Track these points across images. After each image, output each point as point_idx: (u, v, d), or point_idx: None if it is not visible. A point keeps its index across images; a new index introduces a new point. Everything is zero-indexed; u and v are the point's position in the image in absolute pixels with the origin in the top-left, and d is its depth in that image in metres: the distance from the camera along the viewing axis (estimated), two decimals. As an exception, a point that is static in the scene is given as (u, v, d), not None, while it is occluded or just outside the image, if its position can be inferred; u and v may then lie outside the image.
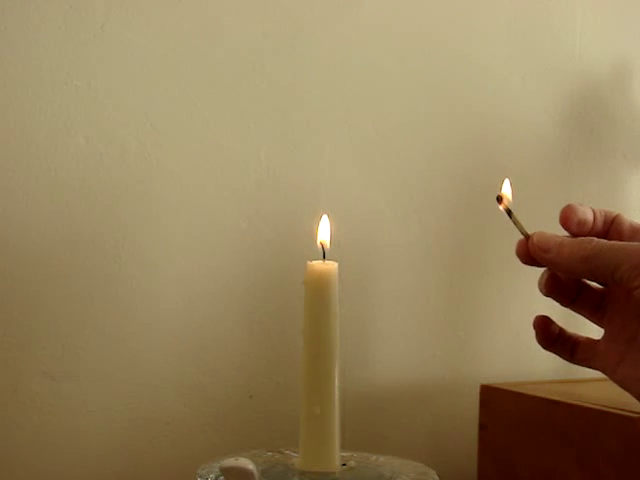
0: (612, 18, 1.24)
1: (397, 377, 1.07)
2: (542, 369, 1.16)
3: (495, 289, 1.14)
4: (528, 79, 1.17)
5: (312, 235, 0.72)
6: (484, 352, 1.14)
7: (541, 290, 0.53)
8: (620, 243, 0.47)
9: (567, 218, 0.51)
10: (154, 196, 0.94)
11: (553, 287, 0.52)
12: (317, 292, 0.68)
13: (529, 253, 0.51)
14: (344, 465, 0.69)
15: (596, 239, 0.48)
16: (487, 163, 1.14)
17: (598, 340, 0.53)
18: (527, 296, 1.13)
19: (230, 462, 0.60)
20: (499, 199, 0.54)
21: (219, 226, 0.97)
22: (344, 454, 0.70)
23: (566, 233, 0.52)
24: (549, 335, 0.54)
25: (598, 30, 1.23)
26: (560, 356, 0.55)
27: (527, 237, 0.51)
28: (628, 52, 1.24)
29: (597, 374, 0.54)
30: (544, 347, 0.55)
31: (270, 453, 0.73)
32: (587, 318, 0.54)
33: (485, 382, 1.03)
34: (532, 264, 0.51)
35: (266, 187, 0.99)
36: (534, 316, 0.55)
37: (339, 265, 0.68)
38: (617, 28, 1.24)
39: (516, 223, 0.53)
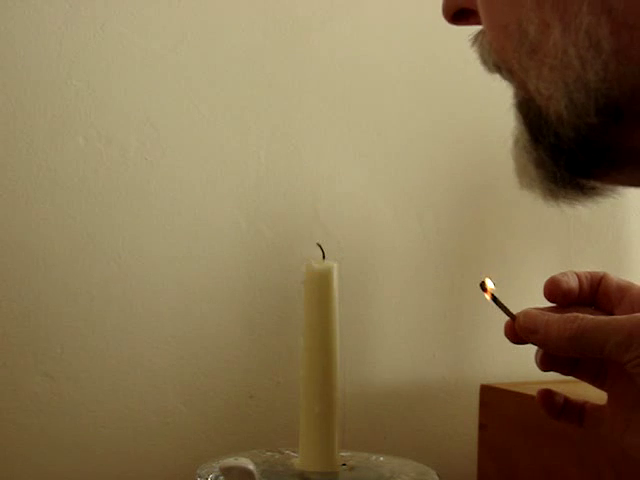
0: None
1: (397, 377, 1.07)
2: (542, 369, 1.16)
3: (495, 289, 1.13)
4: (528, 79, 1.17)
5: (312, 235, 0.72)
6: (484, 352, 1.14)
7: (538, 366, 0.53)
8: (604, 319, 0.46)
9: (551, 293, 0.52)
10: (154, 196, 0.94)
11: (549, 363, 0.52)
12: (317, 292, 0.68)
13: (517, 334, 0.51)
14: (344, 465, 0.69)
15: (580, 316, 0.47)
16: (487, 163, 1.14)
17: (604, 405, 0.53)
18: (527, 296, 1.13)
19: (230, 462, 0.60)
20: (482, 286, 0.55)
21: (219, 226, 0.97)
22: (344, 454, 0.70)
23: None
24: (554, 407, 0.54)
25: (598, 30, 1.22)
26: (570, 424, 0.55)
27: (513, 318, 0.52)
28: (628, 52, 1.24)
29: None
30: (552, 418, 0.54)
31: (270, 453, 0.73)
32: (589, 384, 0.54)
33: (485, 382, 1.03)
34: (522, 343, 0.52)
35: (266, 187, 0.99)
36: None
37: (339, 265, 0.68)
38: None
39: (501, 307, 0.53)
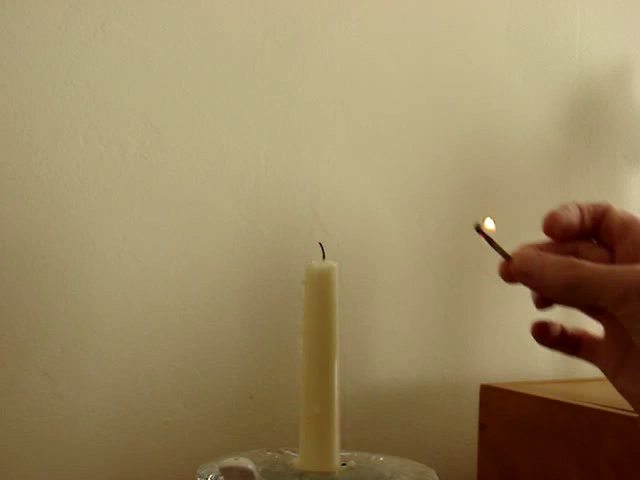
0: (612, 18, 1.24)
1: (397, 377, 1.07)
2: (542, 369, 1.16)
3: (495, 289, 1.14)
4: (528, 79, 1.17)
5: (312, 235, 0.72)
6: (484, 352, 1.14)
7: (535, 305, 0.52)
8: (602, 270, 0.45)
9: (550, 228, 0.50)
10: (154, 196, 0.94)
11: (544, 304, 0.51)
12: (317, 292, 0.68)
13: (511, 274, 0.50)
14: (344, 465, 0.69)
15: (578, 264, 0.46)
16: (487, 163, 1.14)
17: (601, 339, 0.52)
18: (527, 296, 1.13)
19: (230, 462, 0.60)
20: (478, 228, 0.52)
21: (219, 226, 0.97)
22: (344, 454, 0.70)
23: None
24: (550, 338, 0.53)
25: (598, 30, 1.23)
26: (564, 353, 0.54)
27: (509, 259, 0.50)
28: (628, 52, 1.24)
29: (597, 374, 0.53)
30: (546, 347, 0.54)
31: (270, 453, 0.73)
32: (586, 314, 0.53)
33: (485, 382, 1.03)
34: (515, 283, 0.50)
35: (266, 187, 0.99)
36: (534, 317, 0.54)
37: (339, 265, 0.68)
38: (617, 28, 1.24)
39: (497, 248, 0.51)
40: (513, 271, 0.49)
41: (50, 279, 0.89)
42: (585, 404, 0.87)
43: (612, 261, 0.49)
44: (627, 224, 0.49)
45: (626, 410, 0.80)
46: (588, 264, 0.46)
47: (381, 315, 1.07)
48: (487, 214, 1.20)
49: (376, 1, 1.07)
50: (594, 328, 0.53)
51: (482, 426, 1.01)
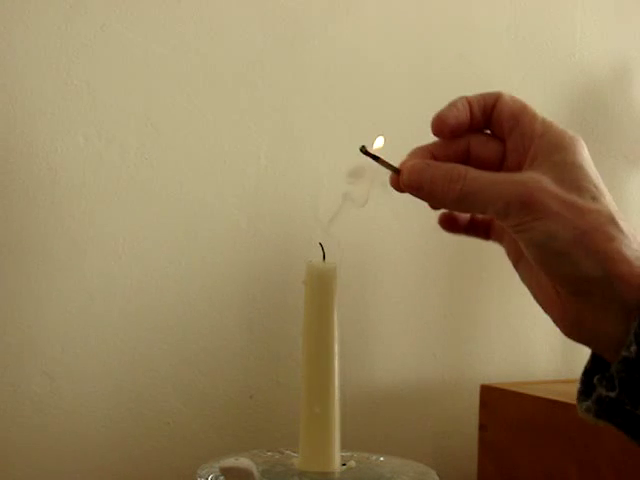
0: (612, 18, 1.24)
1: (397, 377, 1.07)
2: (542, 369, 1.16)
3: (495, 289, 1.14)
4: (528, 79, 1.17)
5: (312, 235, 0.72)
6: (484, 352, 1.14)
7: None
8: (487, 181, 0.45)
9: (439, 130, 0.49)
10: (154, 196, 0.94)
11: (448, 225, 0.52)
12: (317, 292, 0.68)
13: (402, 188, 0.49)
14: (344, 465, 0.69)
15: (464, 176, 0.45)
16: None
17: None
18: (527, 296, 1.13)
19: (230, 462, 0.60)
20: (363, 149, 0.51)
21: (219, 226, 0.97)
22: (344, 454, 0.70)
23: None
24: (458, 225, 0.53)
25: (598, 30, 1.23)
26: (477, 238, 0.54)
27: (398, 172, 0.49)
28: (628, 52, 1.24)
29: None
30: (456, 233, 0.53)
31: (270, 453, 0.73)
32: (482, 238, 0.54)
33: (485, 382, 1.03)
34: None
35: (266, 187, 0.99)
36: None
37: (339, 265, 0.68)
38: (617, 28, 1.24)
39: (384, 164, 0.50)
40: (402, 185, 0.48)
41: (50, 279, 0.89)
42: (585, 404, 0.87)
43: (504, 155, 0.49)
44: (516, 115, 0.49)
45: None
46: (473, 175, 0.46)
47: (381, 315, 1.07)
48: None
49: (376, 1, 1.07)
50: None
51: (482, 426, 1.01)
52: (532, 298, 0.51)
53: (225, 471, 0.60)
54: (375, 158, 0.50)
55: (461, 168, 0.46)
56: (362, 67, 1.06)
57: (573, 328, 0.46)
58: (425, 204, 0.50)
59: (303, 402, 0.68)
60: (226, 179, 0.97)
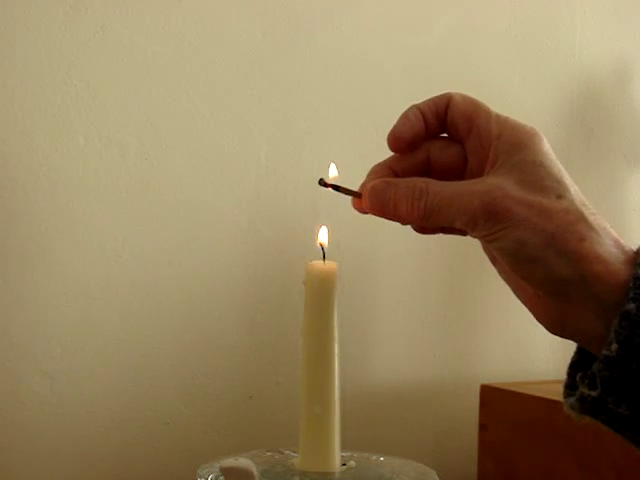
0: (612, 18, 1.24)
1: (397, 377, 1.07)
2: (542, 369, 1.16)
3: (495, 289, 1.14)
4: (528, 79, 1.17)
5: (312, 235, 0.72)
6: (484, 352, 1.14)
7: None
8: (448, 196, 0.44)
9: (396, 147, 0.49)
10: (154, 196, 0.94)
11: (422, 231, 0.51)
12: (317, 292, 0.68)
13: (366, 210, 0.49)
14: (344, 465, 0.69)
15: (426, 190, 0.44)
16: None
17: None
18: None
19: (230, 462, 0.60)
20: (322, 182, 0.51)
21: (219, 226, 0.97)
22: (344, 454, 0.70)
23: None
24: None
25: (598, 30, 1.23)
26: (454, 234, 0.52)
27: (359, 197, 0.48)
28: (628, 52, 1.24)
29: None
30: (433, 233, 0.52)
31: (270, 453, 0.73)
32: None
33: (485, 382, 1.03)
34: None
35: (266, 187, 0.99)
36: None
37: (339, 265, 0.68)
38: (617, 28, 1.24)
39: (344, 192, 0.49)
40: (366, 208, 0.48)
41: (50, 279, 0.89)
42: (585, 404, 0.87)
43: (465, 157, 0.48)
44: (469, 116, 0.48)
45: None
46: (434, 189, 0.45)
47: (381, 315, 1.07)
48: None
49: (376, 1, 1.07)
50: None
51: (482, 426, 1.01)
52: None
53: (225, 471, 0.60)
54: (335, 188, 0.50)
55: (421, 183, 0.45)
56: (362, 67, 1.06)
57: (556, 326, 0.45)
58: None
59: (303, 402, 0.68)
60: (226, 179, 0.97)
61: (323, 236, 0.70)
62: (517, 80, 1.16)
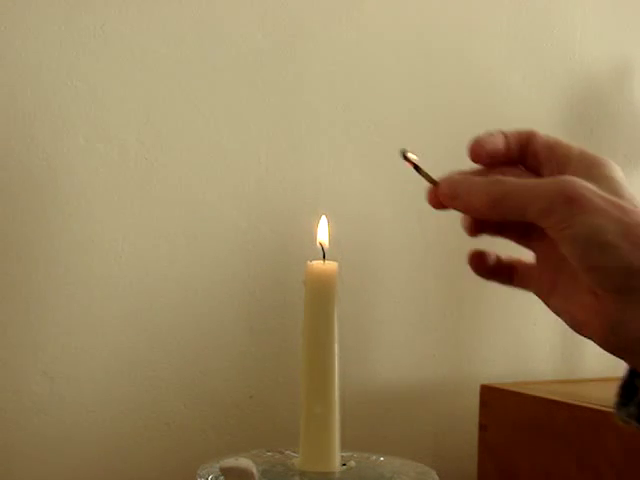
0: (612, 18, 1.24)
1: (397, 377, 1.07)
2: (542, 369, 1.16)
3: (495, 289, 1.13)
4: (528, 79, 1.17)
5: (312, 235, 0.72)
6: (484, 352, 1.14)
7: (466, 232, 0.52)
8: (527, 183, 0.45)
9: (476, 154, 0.50)
10: (154, 196, 0.94)
11: (476, 228, 0.51)
12: (317, 292, 0.68)
13: (439, 200, 0.49)
14: (344, 465, 0.69)
15: (502, 180, 0.46)
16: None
17: (533, 265, 0.52)
18: (527, 296, 1.13)
19: (230, 462, 0.60)
20: (405, 155, 0.51)
21: (219, 226, 0.97)
22: (344, 454, 0.70)
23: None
24: (486, 267, 0.53)
25: (598, 30, 1.23)
26: (500, 283, 0.54)
27: (435, 184, 0.50)
28: (628, 52, 1.24)
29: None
30: (483, 277, 0.54)
31: (270, 453, 0.73)
32: (516, 242, 0.53)
33: (485, 382, 1.03)
34: (444, 209, 0.50)
35: (266, 187, 0.99)
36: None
37: (339, 265, 0.68)
38: (617, 28, 1.24)
39: (424, 175, 0.50)
40: (440, 195, 0.49)
41: (50, 279, 0.89)
42: (585, 404, 0.87)
43: None
44: (551, 145, 0.49)
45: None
46: (511, 179, 0.46)
47: (381, 315, 1.07)
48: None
49: (376, 1, 1.07)
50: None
51: (482, 426, 1.01)
52: (532, 298, 0.51)
53: (225, 471, 0.60)
54: (416, 167, 0.51)
55: (499, 177, 0.47)
56: (362, 67, 1.06)
57: (613, 333, 0.45)
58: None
59: (303, 402, 0.68)
60: (226, 179, 0.97)
61: (323, 227, 0.70)
62: (517, 80, 1.16)
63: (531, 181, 0.46)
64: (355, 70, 1.05)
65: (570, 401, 0.89)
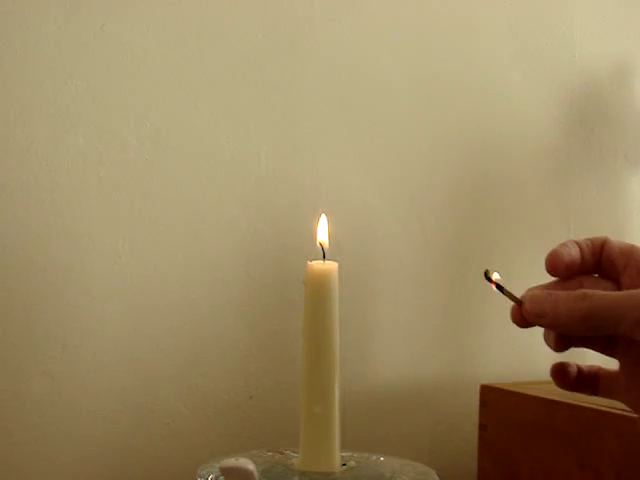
0: (612, 18, 1.24)
1: (397, 377, 1.07)
2: (542, 369, 1.16)
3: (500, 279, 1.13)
4: (528, 79, 1.17)
5: (312, 235, 0.72)
6: (484, 352, 1.14)
7: (551, 348, 0.51)
8: (615, 296, 0.45)
9: (553, 267, 0.50)
10: (154, 196, 0.94)
11: (563, 344, 0.51)
12: (317, 292, 0.68)
13: (524, 318, 0.50)
14: (344, 465, 0.69)
15: (589, 294, 0.45)
16: (487, 163, 1.14)
17: (616, 373, 0.51)
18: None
19: (230, 462, 0.60)
20: (487, 275, 0.53)
21: (219, 226, 0.97)
22: (344, 454, 0.70)
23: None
24: (568, 378, 0.53)
25: (598, 30, 1.23)
26: (584, 394, 0.54)
27: (519, 303, 0.50)
28: (628, 52, 1.24)
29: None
30: (566, 389, 0.54)
31: (270, 453, 0.73)
32: (601, 353, 0.52)
33: (485, 382, 1.03)
34: (529, 326, 0.50)
35: (266, 187, 0.99)
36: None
37: (339, 265, 0.68)
38: (617, 28, 1.24)
39: (508, 295, 0.51)
40: (526, 314, 0.49)
41: (50, 279, 0.89)
42: (585, 404, 0.87)
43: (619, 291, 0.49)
44: (627, 252, 0.49)
45: (626, 410, 0.80)
46: (600, 292, 0.45)
47: (381, 315, 1.07)
48: (487, 213, 1.21)
49: (376, 1, 1.07)
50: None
51: (482, 426, 1.01)
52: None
53: (225, 471, 0.60)
54: (499, 287, 0.52)
55: (583, 289, 0.46)
56: (362, 67, 1.06)
57: None
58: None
59: (303, 402, 0.68)
60: (226, 179, 0.97)
61: (323, 227, 0.70)
62: (517, 80, 1.16)
63: (619, 294, 0.45)
64: (355, 70, 1.05)
65: (570, 401, 0.89)
